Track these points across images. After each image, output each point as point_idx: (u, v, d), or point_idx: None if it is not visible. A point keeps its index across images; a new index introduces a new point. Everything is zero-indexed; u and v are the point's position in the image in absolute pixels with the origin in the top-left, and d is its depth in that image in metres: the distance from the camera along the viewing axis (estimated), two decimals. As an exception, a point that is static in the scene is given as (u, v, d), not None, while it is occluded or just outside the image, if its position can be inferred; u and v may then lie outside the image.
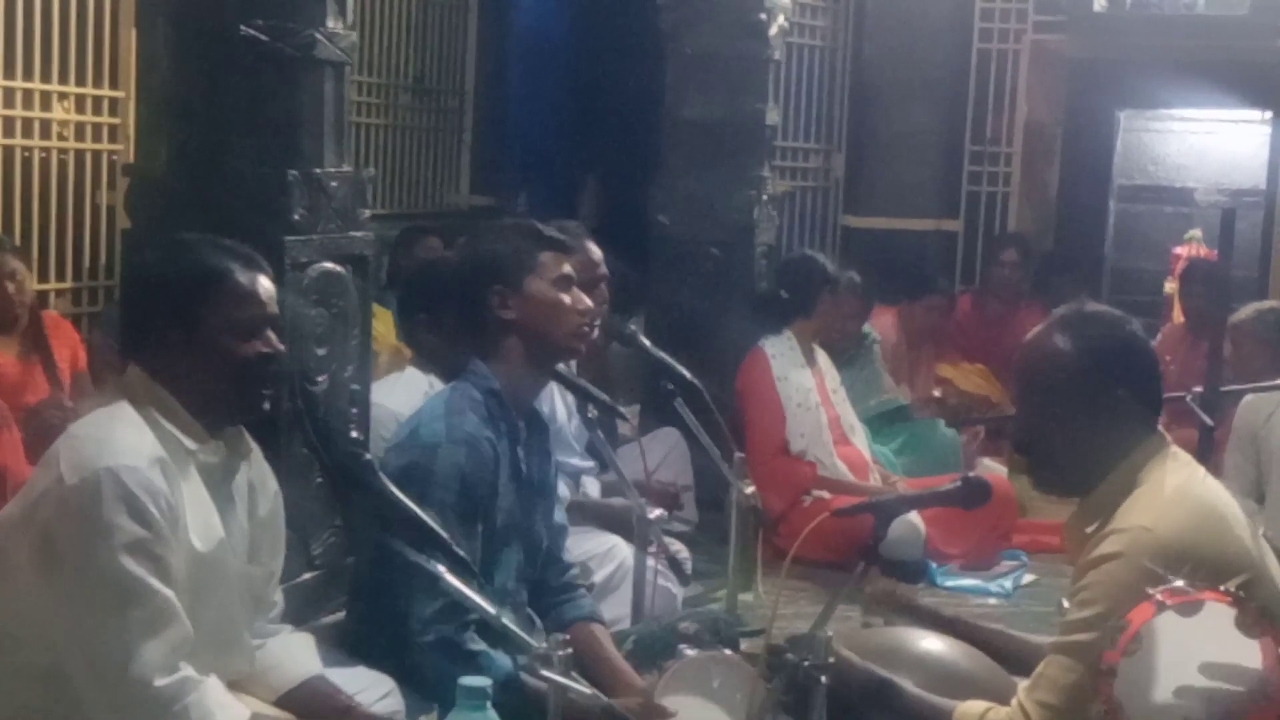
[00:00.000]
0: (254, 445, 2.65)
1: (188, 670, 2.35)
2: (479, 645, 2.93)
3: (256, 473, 2.65)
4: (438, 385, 3.83)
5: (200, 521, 2.45)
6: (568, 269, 3.20)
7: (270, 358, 2.54)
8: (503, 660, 2.92)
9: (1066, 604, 2.54)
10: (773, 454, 5.31)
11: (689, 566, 4.26)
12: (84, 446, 2.38)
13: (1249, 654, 2.16)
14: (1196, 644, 2.17)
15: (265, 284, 2.56)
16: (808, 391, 5.43)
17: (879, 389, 6.14)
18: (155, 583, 2.31)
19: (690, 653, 2.93)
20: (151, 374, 2.49)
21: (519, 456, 3.18)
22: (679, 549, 4.23)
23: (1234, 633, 2.16)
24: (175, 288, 2.50)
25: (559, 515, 3.42)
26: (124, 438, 2.39)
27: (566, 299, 3.16)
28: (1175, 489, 2.49)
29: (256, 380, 2.54)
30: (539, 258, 3.16)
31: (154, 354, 2.49)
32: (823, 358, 5.63)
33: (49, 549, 2.33)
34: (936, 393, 6.72)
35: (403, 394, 3.82)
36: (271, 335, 2.55)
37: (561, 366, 3.43)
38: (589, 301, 3.26)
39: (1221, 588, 2.22)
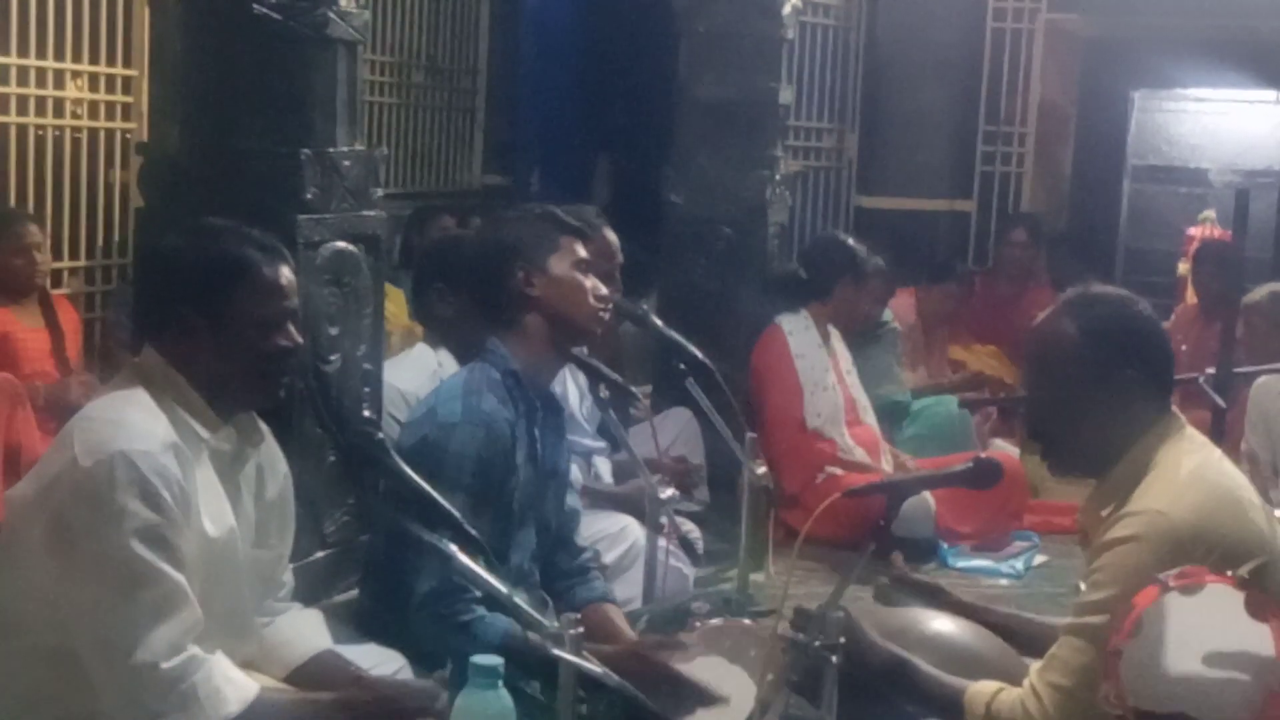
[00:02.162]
0: (265, 429, 2.64)
1: (194, 649, 2.35)
2: (472, 613, 2.93)
3: (266, 455, 2.65)
4: (447, 363, 3.83)
5: (212, 507, 2.45)
6: (586, 254, 3.24)
7: (290, 350, 2.54)
8: (498, 621, 2.91)
9: (1083, 586, 2.54)
10: (792, 430, 5.29)
11: (701, 547, 4.29)
12: (99, 429, 2.37)
13: (1260, 638, 2.15)
14: (1204, 627, 2.16)
15: (288, 275, 2.55)
16: (824, 371, 5.39)
17: (890, 379, 6.07)
18: (166, 567, 2.31)
19: (714, 622, 2.96)
20: (168, 359, 2.48)
21: (535, 438, 3.19)
22: (690, 529, 4.24)
23: (1243, 616, 2.15)
24: (199, 277, 2.48)
25: (571, 499, 3.42)
26: (139, 422, 2.39)
27: (587, 282, 3.19)
28: (1190, 472, 2.48)
29: (275, 372, 2.54)
30: (560, 240, 3.19)
31: (172, 340, 2.48)
32: (836, 338, 5.58)
33: (61, 531, 2.33)
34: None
35: (411, 372, 3.82)
36: (291, 328, 2.55)
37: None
38: (605, 289, 3.27)
39: (1230, 572, 2.21)
